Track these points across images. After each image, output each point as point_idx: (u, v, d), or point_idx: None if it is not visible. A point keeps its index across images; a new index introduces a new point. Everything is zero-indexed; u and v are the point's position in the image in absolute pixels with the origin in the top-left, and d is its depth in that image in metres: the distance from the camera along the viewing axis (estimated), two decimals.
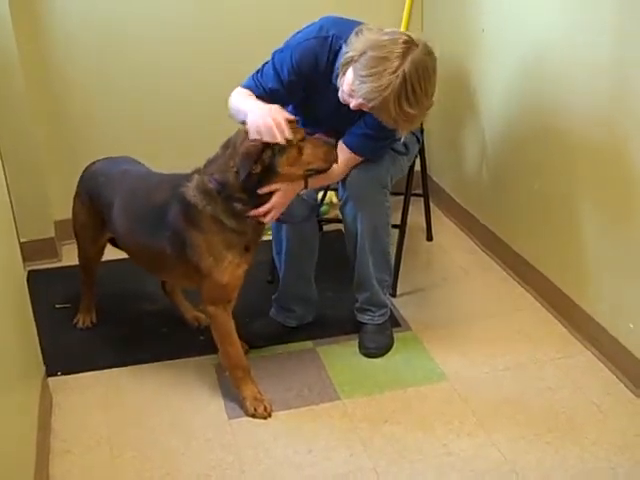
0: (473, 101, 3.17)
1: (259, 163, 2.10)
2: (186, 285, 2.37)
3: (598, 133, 2.38)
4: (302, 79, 2.32)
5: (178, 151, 3.28)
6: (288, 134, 2.10)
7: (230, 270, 2.20)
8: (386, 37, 2.10)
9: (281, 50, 2.36)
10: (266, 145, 2.10)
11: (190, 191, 2.19)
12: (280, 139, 2.09)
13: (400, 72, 2.05)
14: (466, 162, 3.35)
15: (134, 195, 2.37)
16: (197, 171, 2.23)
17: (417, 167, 3.03)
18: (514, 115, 2.89)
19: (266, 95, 2.32)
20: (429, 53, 2.12)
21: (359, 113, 2.24)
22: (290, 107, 2.44)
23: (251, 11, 3.30)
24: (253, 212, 2.17)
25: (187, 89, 3.32)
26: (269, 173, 2.14)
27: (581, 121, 2.46)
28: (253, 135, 2.11)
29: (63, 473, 2.09)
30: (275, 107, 2.16)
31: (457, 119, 3.33)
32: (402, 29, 3.45)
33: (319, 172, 2.24)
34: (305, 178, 2.23)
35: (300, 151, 2.16)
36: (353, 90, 2.14)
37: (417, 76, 2.07)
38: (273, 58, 2.36)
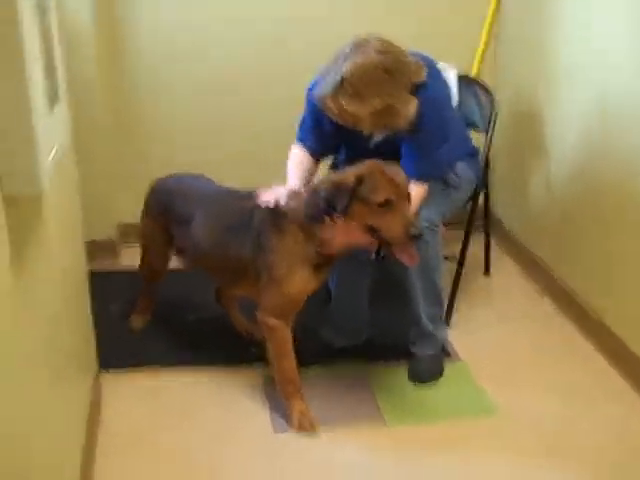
0: (544, 142, 3.13)
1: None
2: (252, 295, 2.35)
3: None
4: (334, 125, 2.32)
5: (248, 170, 3.25)
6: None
7: (301, 285, 2.20)
8: (352, 39, 2.16)
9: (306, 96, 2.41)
10: (358, 182, 2.08)
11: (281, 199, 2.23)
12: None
13: (339, 71, 2.10)
14: (532, 204, 3.30)
15: (221, 206, 2.39)
16: None
17: (480, 202, 3.01)
18: (587, 163, 2.81)
19: (314, 146, 2.43)
20: (382, 52, 2.11)
21: (395, 138, 2.26)
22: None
23: (329, 23, 3.26)
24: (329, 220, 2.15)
25: (260, 106, 3.35)
26: None
27: None
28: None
29: (108, 465, 2.11)
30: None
31: (526, 158, 3.30)
32: (474, 68, 3.45)
33: (386, 240, 2.13)
34: (375, 237, 2.14)
35: (370, 209, 2.08)
36: None
37: (359, 75, 2.08)
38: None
